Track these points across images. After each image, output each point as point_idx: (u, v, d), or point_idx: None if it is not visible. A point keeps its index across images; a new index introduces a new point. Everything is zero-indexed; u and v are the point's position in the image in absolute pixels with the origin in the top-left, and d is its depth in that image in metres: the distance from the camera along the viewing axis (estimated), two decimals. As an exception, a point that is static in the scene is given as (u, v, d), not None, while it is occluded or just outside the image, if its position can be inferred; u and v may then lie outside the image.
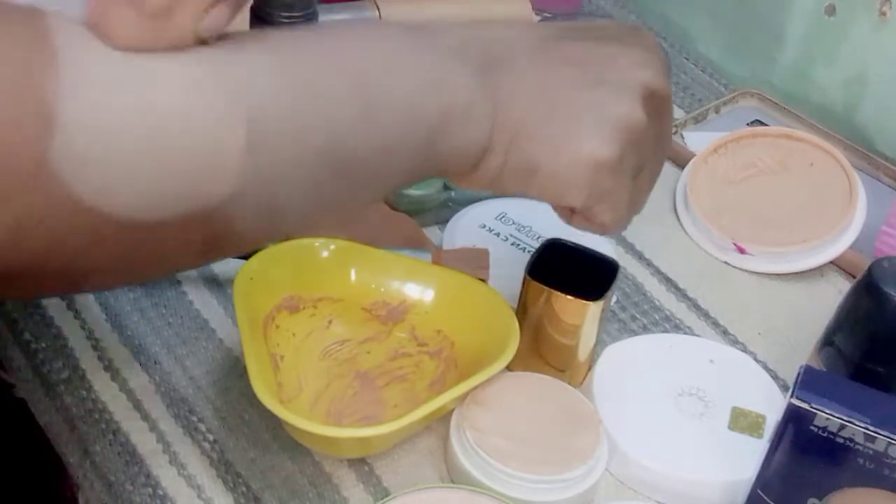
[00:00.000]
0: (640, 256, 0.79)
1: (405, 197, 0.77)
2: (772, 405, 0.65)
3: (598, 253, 0.67)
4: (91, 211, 0.39)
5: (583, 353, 0.66)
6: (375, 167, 0.49)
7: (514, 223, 0.77)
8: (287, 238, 0.50)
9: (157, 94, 0.41)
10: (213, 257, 0.48)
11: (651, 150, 0.56)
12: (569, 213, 0.58)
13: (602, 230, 0.58)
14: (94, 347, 0.67)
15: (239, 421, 0.64)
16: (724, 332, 0.74)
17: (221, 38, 0.45)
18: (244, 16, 0.79)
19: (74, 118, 0.38)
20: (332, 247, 0.66)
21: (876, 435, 0.53)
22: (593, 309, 0.64)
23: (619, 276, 0.66)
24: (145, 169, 0.40)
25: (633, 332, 0.72)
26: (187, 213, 0.42)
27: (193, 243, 0.44)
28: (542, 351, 0.66)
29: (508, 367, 0.62)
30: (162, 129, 0.41)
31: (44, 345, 0.67)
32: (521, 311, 0.65)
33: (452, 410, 0.62)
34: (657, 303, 0.75)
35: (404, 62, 0.49)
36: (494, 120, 0.51)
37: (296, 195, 0.46)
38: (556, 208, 0.59)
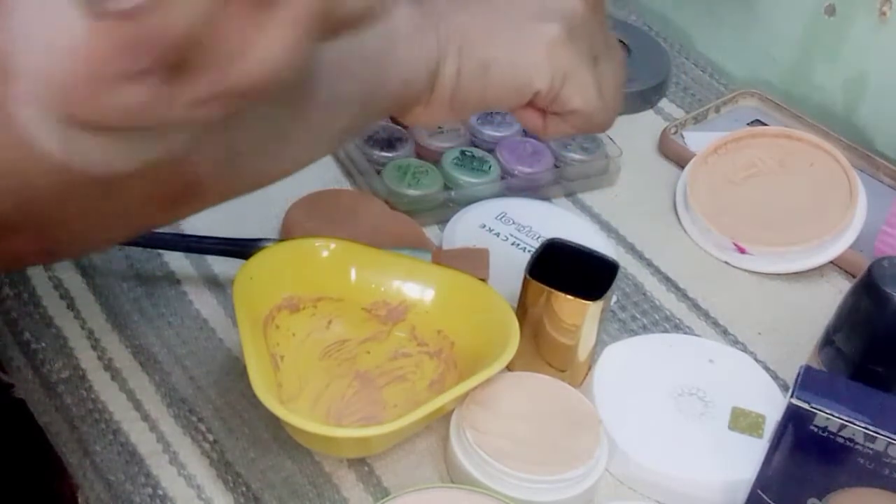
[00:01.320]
0: (640, 256, 0.79)
1: (405, 197, 0.77)
2: (772, 405, 0.65)
3: (598, 253, 0.67)
4: (54, 160, 0.39)
5: (583, 353, 0.66)
6: (327, 100, 0.48)
7: (514, 223, 0.77)
8: (253, 188, 0.49)
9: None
10: (180, 212, 0.47)
11: (601, 42, 0.57)
12: (539, 118, 0.57)
13: (576, 121, 0.57)
14: (94, 347, 0.67)
15: (239, 421, 0.64)
16: (724, 332, 0.74)
17: None
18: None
19: (30, 65, 0.37)
20: (332, 247, 0.66)
21: (876, 435, 0.53)
22: (593, 309, 0.64)
23: (619, 276, 0.66)
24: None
25: (633, 332, 0.72)
26: (146, 164, 0.41)
27: (160, 196, 0.44)
28: (542, 351, 0.66)
29: (508, 367, 0.62)
30: None
31: (44, 345, 0.67)
32: (521, 311, 0.65)
33: (452, 410, 0.62)
34: (657, 303, 0.75)
35: None
36: (438, 31, 0.52)
37: (250, 135, 0.45)
38: (523, 117, 0.58)
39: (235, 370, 0.66)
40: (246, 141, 0.46)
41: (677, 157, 0.86)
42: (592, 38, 0.56)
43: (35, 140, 0.38)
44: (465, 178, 0.79)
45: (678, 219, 0.82)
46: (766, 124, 0.89)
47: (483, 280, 0.69)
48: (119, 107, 0.38)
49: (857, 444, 0.54)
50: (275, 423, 0.62)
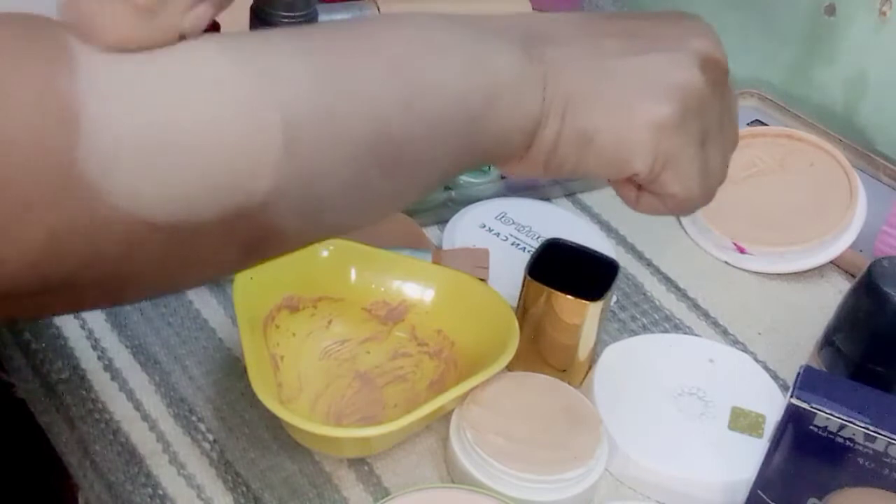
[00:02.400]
0: (640, 256, 0.79)
1: (405, 197, 0.77)
2: (772, 405, 0.65)
3: (598, 253, 0.67)
4: (125, 216, 0.38)
5: (583, 353, 0.66)
6: (420, 154, 0.46)
7: (514, 223, 0.77)
8: (334, 235, 0.48)
9: (183, 92, 0.40)
10: (255, 259, 0.46)
11: (715, 122, 0.53)
12: (634, 193, 0.54)
13: (674, 205, 0.54)
14: (94, 347, 0.67)
15: (239, 421, 0.64)
16: (724, 332, 0.74)
17: (244, 32, 0.44)
18: (244, 16, 0.79)
19: (99, 122, 0.37)
20: (332, 247, 0.66)
21: (876, 435, 0.53)
22: (593, 309, 0.64)
23: (619, 276, 0.66)
24: (176, 170, 0.39)
25: (633, 332, 0.72)
26: (224, 215, 0.41)
27: (234, 245, 0.43)
28: (542, 351, 0.66)
29: (508, 367, 0.62)
30: (190, 129, 0.39)
31: (44, 345, 0.67)
32: (521, 311, 0.65)
33: (452, 410, 0.62)
34: (657, 303, 0.75)
35: (443, 42, 0.47)
36: (545, 90, 0.49)
37: (338, 189, 0.44)
38: (619, 189, 0.55)
39: (235, 370, 0.66)
40: (332, 197, 0.44)
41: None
42: (706, 119, 0.52)
43: (104, 195, 0.38)
44: (464, 177, 0.79)
45: (678, 219, 0.82)
46: (766, 124, 0.89)
47: (483, 280, 0.69)
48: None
49: (857, 444, 0.54)
50: (275, 423, 0.62)
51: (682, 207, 0.54)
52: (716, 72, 0.52)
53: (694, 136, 0.52)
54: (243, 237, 0.43)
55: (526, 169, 0.52)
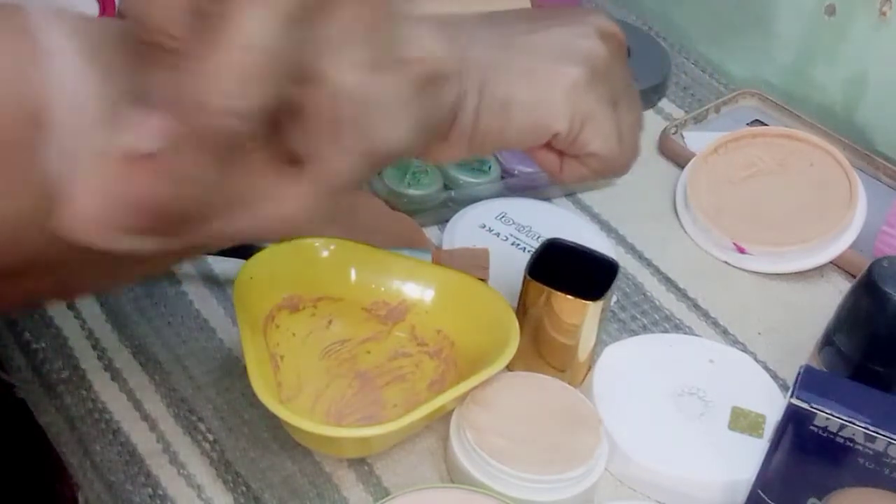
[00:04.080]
0: (640, 256, 0.79)
1: (405, 197, 0.77)
2: (772, 405, 0.65)
3: (598, 253, 0.67)
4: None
5: (583, 353, 0.66)
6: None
7: (514, 223, 0.77)
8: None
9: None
10: (200, 253, 0.48)
11: (621, 86, 0.56)
12: (556, 160, 0.56)
13: (597, 165, 0.56)
14: (94, 347, 0.67)
15: (239, 421, 0.64)
16: (724, 332, 0.74)
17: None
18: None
19: (65, 115, 0.38)
20: (332, 247, 0.66)
21: (876, 435, 0.53)
22: (593, 309, 0.64)
23: (619, 276, 0.66)
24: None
25: (633, 332, 0.72)
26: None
27: (184, 252, 0.45)
28: (542, 351, 0.66)
29: (508, 367, 0.62)
30: None
31: (44, 345, 0.67)
32: (521, 311, 0.65)
33: (452, 410, 0.62)
34: (657, 303, 0.75)
35: None
36: (459, 69, 0.50)
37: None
38: (541, 158, 0.57)
39: (235, 370, 0.66)
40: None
41: (677, 157, 0.86)
42: (613, 83, 0.55)
43: (62, 190, 0.38)
44: (464, 177, 0.79)
45: (678, 219, 0.82)
46: (766, 124, 0.89)
47: (483, 280, 0.69)
48: (123, 243, 0.38)
49: (857, 444, 0.54)
50: (275, 423, 0.62)
51: (604, 167, 0.57)
52: (614, 43, 0.56)
53: (605, 97, 0.55)
54: (188, 249, 0.43)
55: (453, 149, 0.53)
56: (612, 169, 0.57)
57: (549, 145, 0.55)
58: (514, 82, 0.52)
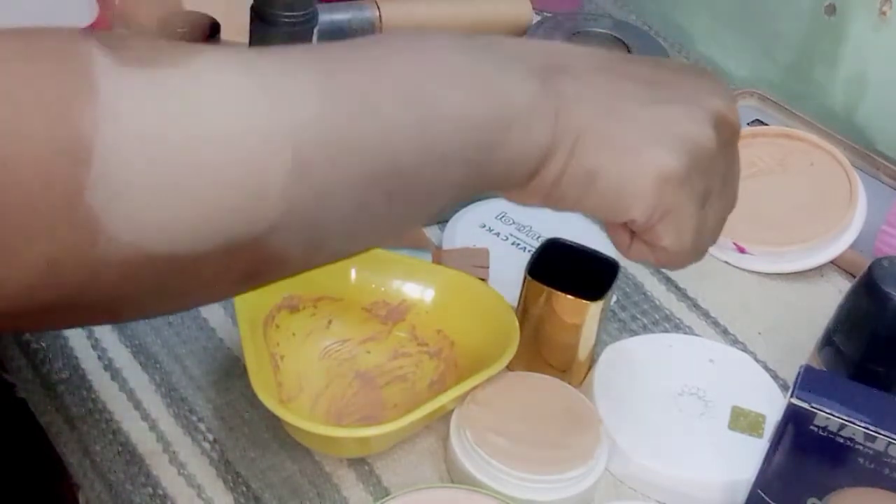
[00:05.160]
0: (640, 256, 0.78)
1: (405, 197, 0.76)
2: (772, 405, 0.65)
3: (598, 253, 0.67)
4: (126, 247, 0.38)
5: (583, 353, 0.66)
6: (429, 182, 0.45)
7: (514, 223, 0.77)
8: (334, 261, 0.48)
9: (201, 123, 0.39)
10: (254, 285, 0.45)
11: (719, 181, 0.53)
12: (627, 238, 0.54)
13: (662, 258, 0.53)
14: (94, 347, 0.67)
15: (239, 421, 0.64)
16: (724, 332, 0.74)
17: (266, 50, 0.43)
18: (244, 15, 0.79)
19: (111, 151, 0.36)
20: (332, 247, 0.66)
21: (876, 434, 0.53)
22: (593, 309, 0.64)
23: (619, 275, 0.66)
24: (186, 203, 0.38)
25: (633, 332, 0.72)
26: (228, 245, 0.40)
27: (234, 272, 0.42)
28: (542, 351, 0.66)
29: (508, 367, 0.62)
30: (204, 161, 0.38)
31: (44, 345, 0.67)
32: (521, 311, 0.65)
33: (452, 410, 0.62)
34: (657, 303, 0.75)
35: (458, 69, 0.46)
36: (556, 123, 0.48)
37: (343, 217, 0.43)
38: (612, 232, 0.54)
39: (235, 370, 0.66)
40: (336, 224, 0.44)
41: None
42: (711, 176, 0.52)
43: (105, 227, 0.37)
44: (465, 177, 0.79)
45: (678, 219, 0.82)
46: (766, 124, 0.89)
47: (483, 280, 0.69)
48: None
49: (857, 443, 0.54)
50: (275, 422, 0.62)
51: (670, 261, 0.54)
52: (727, 133, 0.52)
53: (696, 194, 0.51)
54: (244, 266, 0.42)
55: (526, 198, 0.51)
56: (675, 264, 0.55)
57: (623, 224, 0.52)
58: (605, 156, 0.49)
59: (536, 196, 0.50)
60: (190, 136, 0.38)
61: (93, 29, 0.39)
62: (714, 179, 0.52)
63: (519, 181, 0.49)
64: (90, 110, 0.36)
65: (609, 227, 0.54)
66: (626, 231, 0.53)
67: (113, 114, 0.37)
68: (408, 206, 0.46)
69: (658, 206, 0.50)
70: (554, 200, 0.50)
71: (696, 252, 0.54)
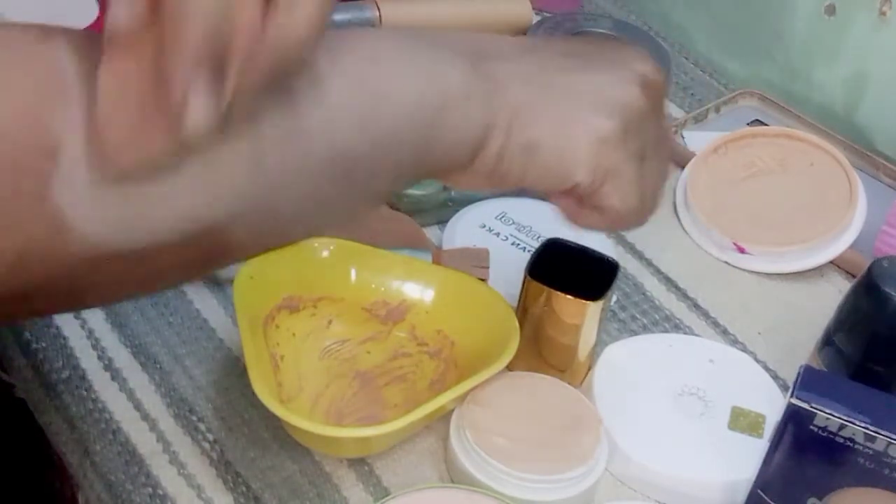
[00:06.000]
0: (640, 256, 0.79)
1: (405, 197, 0.77)
2: (772, 405, 0.65)
3: (598, 253, 0.67)
4: (91, 242, 0.39)
5: (583, 353, 0.66)
6: (374, 167, 0.48)
7: (514, 223, 0.77)
8: (285, 245, 0.50)
9: None
10: (212, 269, 0.48)
11: (653, 140, 0.55)
12: (575, 209, 0.56)
13: (613, 219, 0.56)
14: (94, 347, 0.67)
15: (239, 421, 0.64)
16: (724, 332, 0.74)
17: None
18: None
19: (79, 150, 0.38)
20: (332, 247, 0.66)
21: (876, 435, 0.53)
22: (593, 309, 0.64)
23: (619, 276, 0.66)
24: (150, 201, 0.40)
25: (633, 332, 0.72)
26: (186, 237, 0.42)
27: (190, 261, 0.44)
28: (542, 351, 0.66)
29: (508, 367, 0.62)
30: (167, 164, 0.40)
31: (44, 345, 0.67)
32: (521, 311, 0.65)
33: (452, 410, 0.62)
34: (657, 303, 0.75)
35: (398, 57, 0.49)
36: (491, 102, 0.50)
37: (296, 203, 0.45)
38: (561, 205, 0.57)
39: (235, 370, 0.66)
40: (289, 210, 0.46)
41: (677, 157, 0.86)
42: (645, 135, 0.54)
43: (72, 222, 0.38)
44: (465, 178, 0.79)
45: (678, 219, 0.82)
46: (766, 124, 0.89)
47: (483, 280, 0.69)
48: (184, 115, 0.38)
49: (857, 444, 0.54)
50: (275, 422, 0.62)
51: (620, 221, 0.56)
52: (654, 92, 0.54)
53: (633, 152, 0.53)
54: (199, 253, 0.44)
55: (470, 180, 0.53)
56: (627, 224, 0.57)
57: (568, 192, 0.54)
58: (542, 127, 0.51)
59: (481, 176, 0.52)
60: None
61: (89, 30, 0.40)
62: (647, 137, 0.55)
63: (461, 162, 0.51)
64: (60, 108, 0.38)
65: (555, 197, 0.56)
66: (572, 199, 0.55)
67: (82, 113, 0.38)
68: (355, 189, 0.48)
69: (599, 166, 0.52)
70: (499, 177, 0.53)
71: (643, 210, 0.57)
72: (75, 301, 0.46)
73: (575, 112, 0.52)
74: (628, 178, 0.54)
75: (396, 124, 0.48)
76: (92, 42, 0.40)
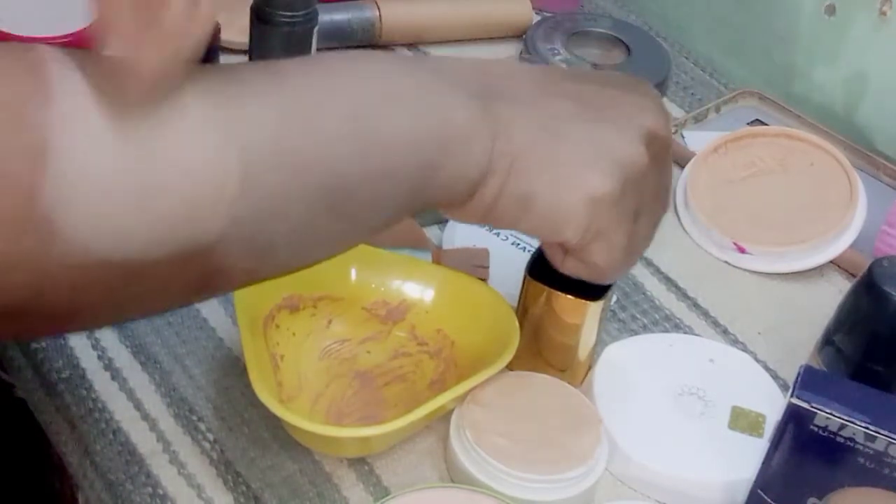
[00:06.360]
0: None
1: (405, 197, 0.77)
2: (772, 405, 0.65)
3: (598, 253, 0.67)
4: (80, 253, 0.39)
5: (583, 353, 0.66)
6: (371, 199, 0.48)
7: (514, 223, 0.77)
8: (280, 275, 0.50)
9: (156, 139, 0.40)
10: (204, 295, 0.47)
11: (651, 195, 0.55)
12: (560, 255, 0.56)
13: (595, 274, 0.57)
14: (94, 347, 0.67)
15: (239, 420, 0.64)
16: (724, 332, 0.74)
17: (220, 70, 0.44)
18: (244, 15, 0.79)
19: (67, 156, 0.37)
20: (332, 246, 0.66)
21: (876, 434, 0.53)
22: (593, 309, 0.64)
23: (619, 275, 0.66)
24: (137, 212, 0.40)
25: (633, 332, 0.72)
26: (177, 254, 0.41)
27: (183, 282, 0.44)
28: (542, 351, 0.66)
29: (508, 367, 0.62)
30: (158, 170, 0.40)
31: (44, 345, 0.67)
32: (521, 311, 0.65)
33: (452, 410, 0.62)
34: (657, 302, 0.75)
35: (402, 92, 0.48)
36: (493, 147, 0.50)
37: (289, 232, 0.45)
38: (547, 248, 0.57)
39: (235, 370, 0.66)
40: (281, 237, 0.45)
41: (677, 157, 0.86)
42: (642, 192, 0.54)
43: (61, 229, 0.38)
44: (465, 177, 0.79)
45: (678, 219, 0.82)
46: (766, 124, 0.89)
47: (483, 280, 0.69)
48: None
49: (857, 443, 0.54)
50: (275, 422, 0.62)
51: (602, 276, 0.57)
52: (659, 147, 0.54)
53: (628, 212, 0.54)
54: (192, 275, 0.43)
55: (465, 217, 0.53)
56: (609, 278, 0.58)
57: (557, 242, 0.55)
58: (540, 179, 0.51)
59: (474, 216, 0.53)
60: (143, 158, 0.40)
61: (69, 46, 0.40)
62: (645, 195, 0.54)
63: (458, 200, 0.51)
64: (45, 115, 0.37)
65: (544, 243, 0.57)
66: (560, 248, 0.56)
67: (67, 121, 0.38)
68: (350, 221, 0.48)
69: (590, 227, 0.52)
70: (491, 220, 0.53)
71: (628, 265, 0.57)
72: (66, 321, 0.45)
73: (575, 168, 0.51)
74: (617, 240, 0.54)
75: (396, 160, 0.47)
76: (73, 53, 0.40)
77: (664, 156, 0.55)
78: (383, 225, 0.51)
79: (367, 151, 0.46)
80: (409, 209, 0.51)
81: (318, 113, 0.45)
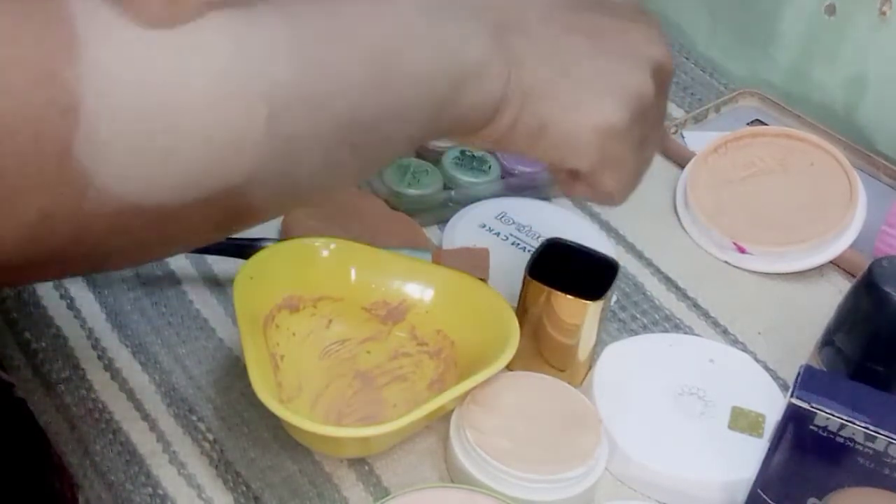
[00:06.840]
0: (640, 256, 0.79)
1: (405, 197, 0.77)
2: (772, 405, 0.65)
3: (598, 253, 0.67)
4: (115, 199, 0.39)
5: (583, 353, 0.66)
6: (389, 132, 0.49)
7: (514, 223, 0.77)
8: (300, 207, 0.51)
9: (182, 76, 0.40)
10: (230, 231, 0.48)
11: (654, 123, 0.57)
12: (571, 181, 0.58)
13: (605, 198, 0.58)
14: (94, 347, 0.67)
15: (239, 421, 0.64)
16: (724, 332, 0.74)
17: (235, 5, 0.44)
18: None
19: (98, 104, 0.37)
20: (332, 247, 0.66)
21: (876, 434, 0.53)
22: (593, 308, 0.64)
23: (619, 275, 0.66)
24: (168, 155, 0.40)
25: (633, 332, 0.72)
26: (208, 195, 0.42)
27: (213, 220, 0.44)
28: (542, 351, 0.66)
29: (508, 367, 0.62)
30: (186, 112, 0.40)
31: (44, 345, 0.67)
32: (521, 311, 0.65)
33: (452, 410, 0.62)
34: (657, 302, 0.75)
35: (418, 25, 0.49)
36: (508, 78, 0.51)
37: (310, 166, 0.46)
38: (557, 174, 0.59)
39: (235, 370, 0.66)
40: (305, 173, 0.46)
41: (677, 157, 0.86)
42: (649, 120, 0.56)
43: (94, 179, 0.38)
44: (465, 177, 0.79)
45: (678, 219, 0.82)
46: (766, 124, 0.89)
47: (483, 280, 0.69)
48: None
49: (857, 443, 0.54)
50: (275, 422, 0.62)
51: (612, 201, 0.59)
52: (663, 78, 0.56)
53: (636, 141, 0.55)
54: (222, 214, 0.44)
55: (478, 143, 0.55)
56: (614, 202, 0.59)
57: (568, 169, 0.56)
58: (553, 109, 0.53)
59: (488, 142, 0.54)
60: (171, 97, 0.40)
61: None
62: (651, 122, 0.56)
63: (472, 129, 0.53)
64: (74, 64, 0.37)
65: (553, 169, 0.58)
66: (569, 174, 0.57)
67: (96, 69, 0.38)
68: (368, 155, 0.49)
69: (601, 157, 0.54)
70: (504, 146, 0.55)
71: (632, 188, 0.59)
72: (101, 263, 0.46)
73: (587, 98, 0.53)
74: (627, 165, 0.56)
75: (413, 95, 0.48)
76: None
77: (666, 85, 0.57)
78: (398, 156, 0.54)
79: (384, 89, 0.47)
80: (424, 139, 0.53)
81: (333, 52, 0.45)
